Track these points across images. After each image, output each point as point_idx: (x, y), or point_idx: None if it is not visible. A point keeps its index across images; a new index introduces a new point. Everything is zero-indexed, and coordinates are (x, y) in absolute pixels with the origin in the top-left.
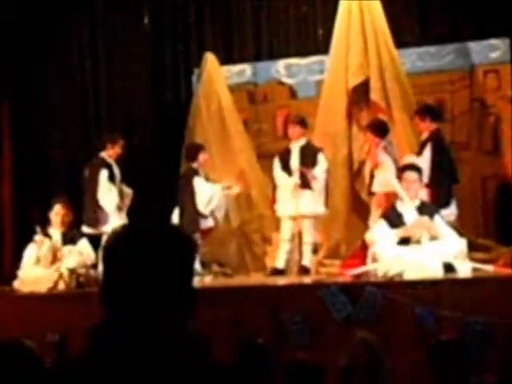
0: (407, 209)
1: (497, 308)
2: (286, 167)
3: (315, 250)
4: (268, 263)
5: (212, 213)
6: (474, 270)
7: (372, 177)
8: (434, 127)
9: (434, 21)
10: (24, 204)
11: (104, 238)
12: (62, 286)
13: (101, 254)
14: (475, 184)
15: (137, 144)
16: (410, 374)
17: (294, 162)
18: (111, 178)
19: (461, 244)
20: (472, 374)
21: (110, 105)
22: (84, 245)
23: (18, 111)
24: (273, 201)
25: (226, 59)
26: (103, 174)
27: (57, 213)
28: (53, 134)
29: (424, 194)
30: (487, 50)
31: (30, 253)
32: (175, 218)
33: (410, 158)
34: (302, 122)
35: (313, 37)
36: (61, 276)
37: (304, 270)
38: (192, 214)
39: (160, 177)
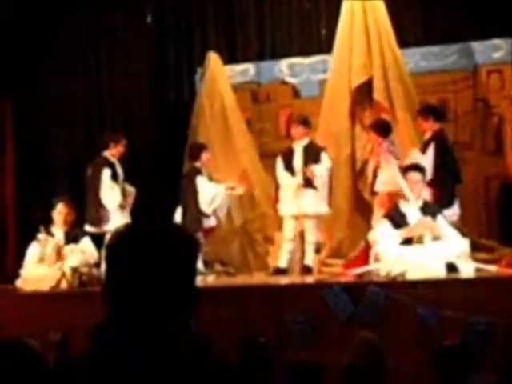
0: (410, 209)
1: (499, 308)
2: (289, 167)
3: (318, 250)
4: (270, 262)
5: (214, 212)
6: (477, 270)
7: (375, 176)
8: (437, 127)
9: (437, 20)
10: (26, 203)
11: (107, 237)
12: (64, 284)
13: (103, 252)
14: (478, 184)
15: (139, 143)
16: (413, 374)
17: (297, 161)
18: (114, 176)
19: (464, 244)
20: (473, 374)
21: (112, 104)
22: (86, 244)
23: (20, 111)
24: (275, 200)
25: (229, 58)
26: (106, 172)
27: (59, 212)
28: (55, 133)
29: (427, 194)
30: (490, 50)
31: (33, 251)
32: (178, 217)
33: (415, 153)
34: (305, 122)
35: (316, 36)
36: (63, 275)
37: (306, 270)
38: (195, 213)
39: (163, 176)
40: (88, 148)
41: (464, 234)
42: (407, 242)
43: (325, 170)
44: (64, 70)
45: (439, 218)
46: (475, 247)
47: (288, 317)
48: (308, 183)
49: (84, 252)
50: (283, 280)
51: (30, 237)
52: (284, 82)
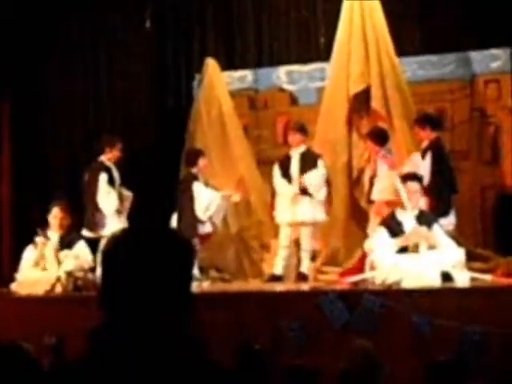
0: (407, 217)
1: (494, 318)
2: (286, 174)
3: (313, 257)
4: (266, 269)
5: (210, 218)
6: (472, 279)
7: (371, 185)
8: (434, 136)
9: (435, 30)
10: (23, 205)
11: (102, 242)
12: (59, 289)
13: (99, 257)
14: (474, 193)
15: (138, 145)
16: (407, 382)
17: (294, 168)
18: (110, 181)
19: (459, 253)
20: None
21: (111, 105)
22: (81, 248)
23: (18, 111)
24: (272, 207)
25: (227, 65)
26: (102, 177)
27: (55, 216)
28: (53, 133)
29: (423, 203)
30: (488, 60)
31: (29, 255)
32: (174, 222)
33: (417, 158)
34: (302, 129)
35: (314, 44)
36: (58, 279)
37: (302, 277)
38: (190, 219)
39: (159, 180)
40: (86, 149)
41: (460, 244)
42: (403, 250)
43: (319, 177)
44: (63, 71)
45: (435, 227)
46: (471, 257)
47: (283, 323)
48: (304, 191)
49: (78, 257)
50: (278, 287)
51: (26, 240)
52: (282, 89)
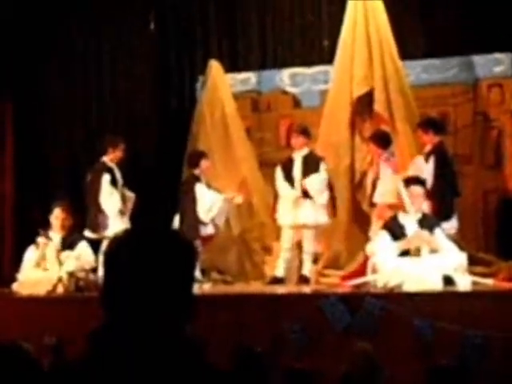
0: (409, 221)
1: (496, 322)
2: (289, 177)
3: (315, 260)
4: (267, 272)
5: (213, 220)
6: (474, 283)
7: (374, 188)
8: (437, 140)
9: (438, 33)
10: (25, 205)
11: (104, 243)
12: (60, 289)
13: (101, 258)
14: (476, 198)
15: (140, 146)
16: None
17: (297, 171)
18: (113, 182)
19: (461, 257)
20: None
21: (114, 105)
22: (83, 249)
23: (20, 111)
24: (274, 210)
25: (230, 67)
26: (105, 178)
27: (56, 216)
28: (55, 134)
29: (426, 207)
30: (491, 64)
31: (30, 255)
32: (176, 224)
33: (420, 161)
34: (305, 132)
35: (318, 47)
36: (60, 279)
37: (303, 280)
38: (192, 221)
39: (162, 182)
40: (88, 150)
41: (461, 248)
42: (404, 254)
43: (320, 181)
44: (65, 71)
45: (437, 230)
46: (473, 261)
47: (285, 326)
48: (306, 194)
49: (80, 257)
50: (280, 289)
51: (28, 240)
52: (285, 92)
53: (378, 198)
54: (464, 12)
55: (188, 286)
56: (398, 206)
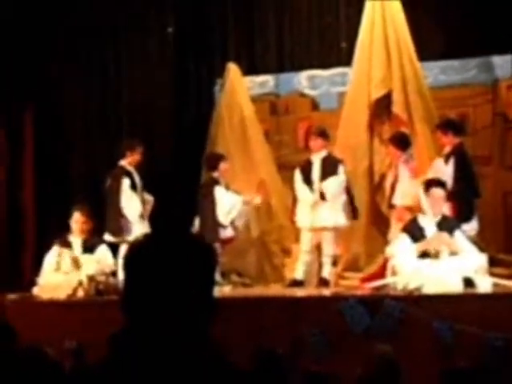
0: (429, 223)
1: None
2: (308, 180)
3: (334, 263)
4: (287, 274)
5: (232, 223)
6: (494, 285)
7: (393, 190)
8: (456, 141)
9: (457, 35)
10: (45, 211)
11: (123, 246)
12: (81, 293)
13: (120, 261)
14: (496, 199)
15: (158, 152)
16: None
17: (315, 174)
18: (132, 185)
19: (481, 259)
20: None
21: (132, 113)
22: (103, 252)
23: (39, 118)
24: (292, 212)
25: (248, 70)
26: (125, 182)
27: (76, 220)
28: (74, 140)
29: (446, 208)
30: (510, 65)
31: (50, 259)
32: (196, 227)
33: (440, 164)
34: (324, 134)
35: (336, 48)
36: (80, 283)
37: (323, 282)
38: (212, 224)
39: (180, 185)
40: (107, 154)
41: (482, 249)
42: (424, 256)
43: (338, 184)
44: (83, 78)
45: (457, 233)
46: (493, 262)
47: (304, 329)
48: (323, 197)
49: (100, 261)
50: (299, 292)
51: (48, 245)
52: (303, 94)
53: (397, 200)
54: (482, 12)
55: (208, 289)
56: (417, 208)
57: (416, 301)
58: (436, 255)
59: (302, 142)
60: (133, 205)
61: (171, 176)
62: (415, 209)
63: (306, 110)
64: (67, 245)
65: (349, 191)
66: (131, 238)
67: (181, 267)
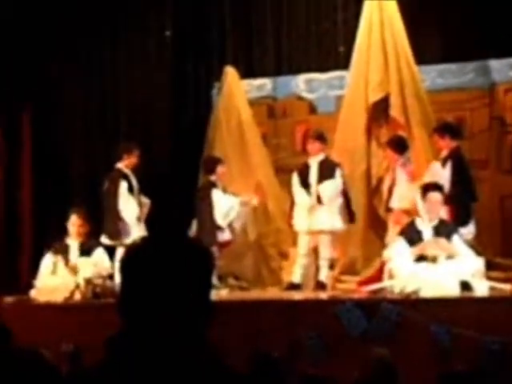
0: (426, 227)
1: None
2: (305, 183)
3: (332, 266)
4: (284, 278)
5: (230, 225)
6: (491, 288)
7: (390, 193)
8: (453, 145)
9: (454, 38)
10: (43, 213)
11: (120, 249)
12: (78, 296)
13: (117, 264)
14: (493, 203)
15: (156, 155)
16: None
17: (313, 177)
18: (129, 188)
19: (478, 263)
20: None
21: (130, 115)
22: (99, 255)
23: (37, 119)
24: (290, 215)
25: (246, 73)
26: (123, 185)
27: (73, 223)
28: (72, 142)
29: (443, 212)
30: (507, 69)
31: (47, 262)
32: (193, 230)
33: (436, 167)
34: (321, 138)
35: (333, 52)
36: (77, 286)
37: (320, 286)
38: (210, 227)
39: (178, 188)
40: (105, 156)
41: (479, 253)
42: (421, 259)
43: (335, 187)
44: (81, 79)
45: (455, 237)
46: (490, 266)
47: (301, 332)
48: (320, 200)
49: (97, 264)
50: (297, 295)
51: (45, 248)
52: (301, 98)
53: (394, 204)
54: (480, 16)
55: (205, 292)
56: (415, 212)
57: (413, 304)
58: (433, 260)
59: (299, 146)
60: (130, 208)
61: (169, 179)
62: (413, 212)
63: (304, 114)
64: (63, 250)
65: (346, 195)
66: (128, 241)
67: (178, 271)
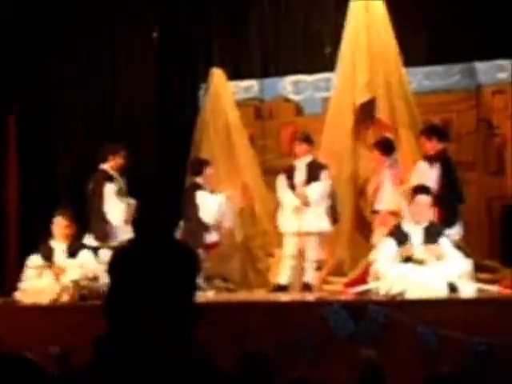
0: (414, 229)
1: (500, 329)
2: (291, 184)
3: (319, 267)
4: (271, 279)
5: (219, 226)
6: (479, 290)
7: (375, 195)
8: (440, 147)
9: (441, 40)
10: (29, 214)
11: (105, 251)
12: (65, 298)
13: (103, 266)
14: (480, 205)
15: (142, 156)
16: None
17: (299, 179)
18: (115, 190)
19: (466, 264)
20: None
21: (115, 115)
22: (85, 257)
23: (22, 120)
24: (276, 217)
25: (233, 74)
26: (108, 187)
27: (58, 225)
28: (57, 143)
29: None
30: (494, 71)
31: (33, 264)
32: (179, 232)
33: (422, 166)
34: (308, 139)
35: (320, 54)
36: (64, 288)
37: (307, 287)
38: (196, 228)
39: (164, 190)
40: (91, 158)
41: (467, 254)
42: (408, 260)
43: (321, 189)
44: (66, 81)
45: (443, 239)
46: (477, 268)
47: (288, 334)
48: (307, 202)
49: (82, 266)
50: (283, 297)
51: (31, 249)
52: (287, 99)
53: (380, 205)
54: (466, 18)
55: (191, 294)
56: (401, 213)
57: (400, 306)
58: (420, 262)
59: (286, 147)
60: (116, 210)
61: (156, 180)
62: (399, 214)
63: (291, 115)
64: (48, 252)
65: (333, 196)
66: (115, 243)
67: (164, 272)
